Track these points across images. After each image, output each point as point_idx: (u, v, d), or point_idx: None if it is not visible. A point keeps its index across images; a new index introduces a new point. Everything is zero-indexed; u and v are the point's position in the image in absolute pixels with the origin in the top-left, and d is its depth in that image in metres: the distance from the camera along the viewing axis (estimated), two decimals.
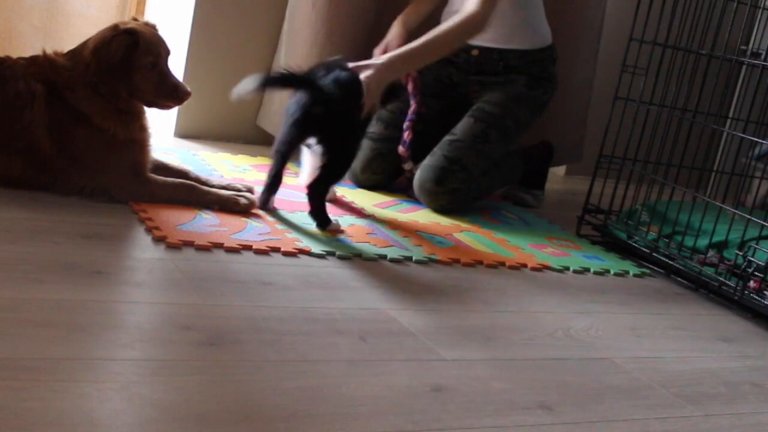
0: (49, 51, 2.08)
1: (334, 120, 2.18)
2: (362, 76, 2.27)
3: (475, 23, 2.51)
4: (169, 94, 2.12)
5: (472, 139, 2.65)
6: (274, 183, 2.26)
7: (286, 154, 2.25)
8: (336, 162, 2.23)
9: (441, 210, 2.61)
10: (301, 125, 2.17)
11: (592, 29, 3.29)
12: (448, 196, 2.60)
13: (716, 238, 2.38)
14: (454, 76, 2.86)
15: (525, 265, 2.25)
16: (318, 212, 2.19)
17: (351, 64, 2.30)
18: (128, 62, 2.04)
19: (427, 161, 2.63)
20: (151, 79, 2.09)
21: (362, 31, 2.92)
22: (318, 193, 2.20)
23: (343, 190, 2.61)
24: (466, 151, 2.63)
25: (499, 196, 2.98)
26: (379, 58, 2.41)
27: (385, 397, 1.38)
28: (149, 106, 2.15)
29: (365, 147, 2.69)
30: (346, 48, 2.79)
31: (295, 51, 2.87)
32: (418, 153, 2.71)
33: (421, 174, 2.62)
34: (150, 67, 2.08)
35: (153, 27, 2.15)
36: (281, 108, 2.26)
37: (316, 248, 2.04)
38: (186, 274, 1.74)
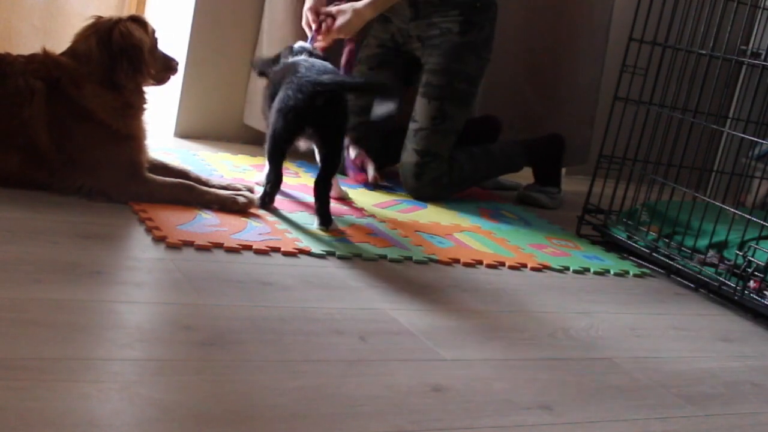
0: (48, 50, 2.08)
1: (335, 110, 2.19)
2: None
3: None
4: (169, 65, 2.26)
5: (432, 123, 2.72)
6: (276, 183, 2.25)
7: (285, 151, 2.24)
8: (335, 152, 2.24)
9: (429, 198, 2.71)
10: (302, 115, 2.15)
11: (599, 29, 3.28)
12: (430, 187, 2.72)
13: (716, 238, 2.38)
14: (397, 36, 2.83)
15: (525, 265, 2.25)
16: (325, 210, 2.20)
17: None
18: (153, 44, 2.18)
19: (403, 157, 2.75)
20: (159, 55, 2.22)
21: None
22: (325, 188, 2.21)
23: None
24: (431, 138, 2.72)
25: (513, 199, 2.98)
26: (355, 3, 2.56)
27: (385, 397, 1.38)
28: (158, 83, 2.25)
29: None
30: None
31: (276, 46, 2.84)
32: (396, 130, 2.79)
33: (402, 171, 2.76)
34: (157, 44, 2.21)
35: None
36: None
37: (316, 248, 2.04)
38: (186, 274, 1.74)
